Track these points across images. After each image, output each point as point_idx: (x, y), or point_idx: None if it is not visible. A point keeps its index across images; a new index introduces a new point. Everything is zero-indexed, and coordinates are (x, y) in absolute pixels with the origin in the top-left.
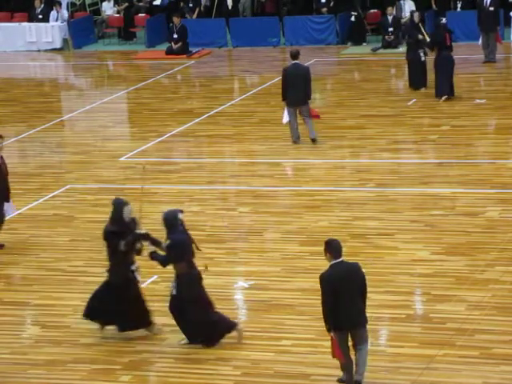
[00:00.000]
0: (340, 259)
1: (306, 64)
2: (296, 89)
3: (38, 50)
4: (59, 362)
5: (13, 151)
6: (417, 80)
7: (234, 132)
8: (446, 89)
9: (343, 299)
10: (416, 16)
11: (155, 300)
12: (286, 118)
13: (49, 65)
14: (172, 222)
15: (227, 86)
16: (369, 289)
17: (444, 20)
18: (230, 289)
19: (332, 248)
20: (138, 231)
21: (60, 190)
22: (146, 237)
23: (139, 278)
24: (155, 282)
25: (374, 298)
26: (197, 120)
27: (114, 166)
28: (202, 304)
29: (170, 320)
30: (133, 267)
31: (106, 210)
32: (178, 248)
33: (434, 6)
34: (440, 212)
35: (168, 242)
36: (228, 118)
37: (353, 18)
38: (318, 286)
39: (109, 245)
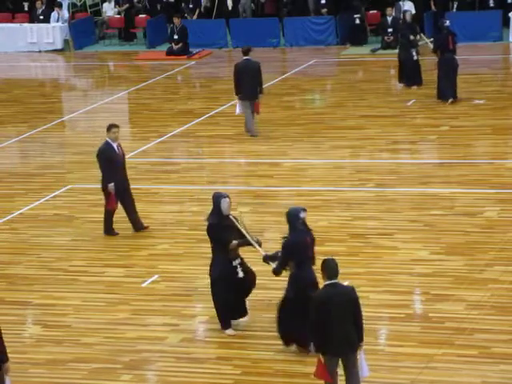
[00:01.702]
0: (334, 280)
1: (306, 63)
2: (248, 84)
3: (39, 51)
4: (60, 362)
5: (14, 151)
6: (408, 78)
7: (234, 132)
8: (450, 92)
9: (333, 324)
10: (408, 15)
11: (155, 300)
12: (238, 110)
13: (50, 65)
14: (292, 219)
15: (227, 87)
16: (368, 288)
17: (447, 22)
18: None
19: (327, 267)
20: (251, 239)
21: (61, 190)
22: (258, 245)
23: (241, 274)
24: (155, 281)
25: (374, 297)
26: (197, 120)
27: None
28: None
29: (170, 320)
30: (235, 262)
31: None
32: (289, 248)
33: (433, 7)
34: (439, 212)
35: (283, 240)
36: (228, 118)
37: (357, 21)
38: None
39: (210, 238)
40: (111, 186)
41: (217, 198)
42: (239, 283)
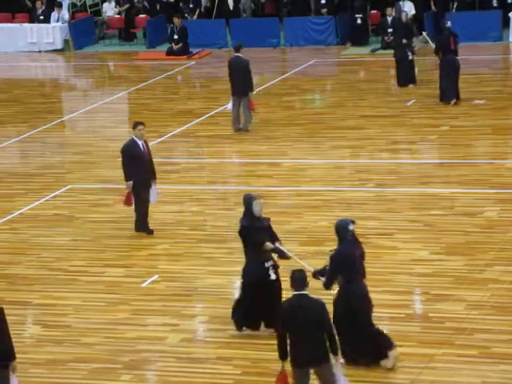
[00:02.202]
0: (302, 292)
1: (306, 63)
2: (236, 80)
3: (39, 51)
4: (60, 362)
5: (14, 151)
6: (404, 77)
7: (234, 132)
8: (453, 93)
9: (298, 335)
10: (404, 16)
11: (155, 300)
12: (229, 106)
13: (50, 65)
14: (341, 231)
15: (227, 87)
16: (369, 288)
17: (449, 23)
18: (230, 288)
19: (293, 279)
20: (282, 248)
21: (61, 190)
22: (286, 257)
23: (273, 276)
24: (155, 281)
25: (374, 297)
26: (197, 120)
27: (115, 166)
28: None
29: (170, 320)
30: (268, 264)
31: (106, 210)
32: (337, 261)
33: (433, 7)
34: (439, 212)
35: (332, 252)
36: (228, 118)
37: (359, 21)
38: (318, 285)
39: (242, 241)
40: (130, 183)
41: (248, 200)
42: (271, 286)
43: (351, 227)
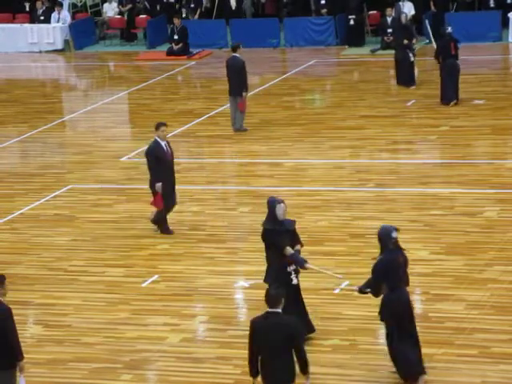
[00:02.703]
0: (275, 310)
1: (306, 64)
2: (232, 80)
3: (40, 51)
4: (60, 361)
5: (14, 151)
6: (405, 78)
7: (234, 132)
8: (453, 94)
9: (266, 354)
10: (403, 18)
11: (156, 300)
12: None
13: (50, 66)
14: (384, 238)
15: (227, 87)
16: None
17: (450, 29)
18: (231, 288)
19: (268, 296)
20: (299, 258)
21: (61, 190)
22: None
23: (295, 280)
24: (155, 281)
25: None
26: (197, 120)
27: (115, 166)
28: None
29: (170, 319)
30: (290, 268)
31: (106, 210)
32: (380, 269)
33: (432, 7)
34: (439, 212)
35: (374, 262)
36: (228, 118)
37: (352, 22)
38: (318, 285)
39: (265, 244)
40: (159, 185)
41: (271, 203)
42: (293, 290)
43: (394, 234)
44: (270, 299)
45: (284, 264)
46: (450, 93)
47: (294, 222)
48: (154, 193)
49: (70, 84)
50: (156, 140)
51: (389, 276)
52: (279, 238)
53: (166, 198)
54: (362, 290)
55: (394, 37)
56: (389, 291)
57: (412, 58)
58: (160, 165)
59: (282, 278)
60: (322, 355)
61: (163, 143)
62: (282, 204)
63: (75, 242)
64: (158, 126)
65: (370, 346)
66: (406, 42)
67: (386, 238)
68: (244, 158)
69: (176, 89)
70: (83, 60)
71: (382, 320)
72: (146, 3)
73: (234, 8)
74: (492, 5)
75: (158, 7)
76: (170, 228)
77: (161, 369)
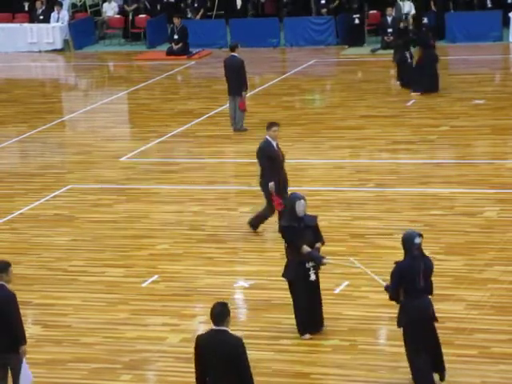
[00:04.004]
0: (221, 327)
1: (306, 63)
2: (231, 80)
3: (39, 51)
4: (60, 362)
5: (14, 151)
6: (406, 78)
7: (233, 132)
8: (431, 85)
9: (209, 373)
10: (403, 22)
11: (155, 300)
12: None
13: (50, 65)
14: (407, 244)
15: (226, 87)
16: (368, 288)
17: (425, 20)
18: (230, 288)
19: (213, 313)
20: (316, 255)
21: (61, 190)
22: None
23: (313, 277)
24: (155, 281)
25: (374, 297)
26: (197, 120)
27: (115, 166)
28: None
29: (170, 320)
30: (308, 265)
31: (106, 210)
32: (396, 274)
33: (433, 7)
34: (439, 212)
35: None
36: (228, 118)
37: (357, 21)
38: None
39: (284, 240)
40: (271, 184)
41: (292, 200)
42: (311, 286)
43: (418, 240)
44: (215, 316)
45: (303, 260)
46: (424, 83)
47: (315, 217)
48: (267, 193)
49: (70, 84)
50: (267, 139)
51: (403, 282)
52: (295, 235)
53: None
54: (387, 289)
55: (395, 36)
56: (406, 297)
57: (410, 60)
58: (272, 164)
59: (300, 273)
60: (322, 355)
61: (274, 143)
62: (302, 200)
63: (75, 242)
64: (269, 126)
65: (369, 346)
66: (400, 41)
67: (409, 244)
68: (244, 158)
69: (176, 89)
70: (83, 60)
71: (398, 327)
72: (147, 3)
73: (238, 7)
74: (489, 5)
75: (159, 7)
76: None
77: (160, 369)
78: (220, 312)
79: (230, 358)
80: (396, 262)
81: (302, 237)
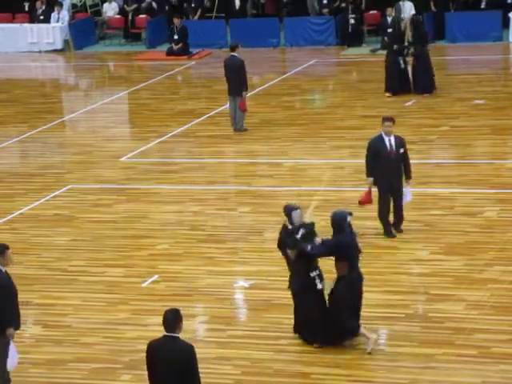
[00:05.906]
0: (173, 334)
1: (306, 63)
2: (231, 80)
3: (39, 51)
4: (60, 362)
5: (14, 151)
6: (394, 85)
7: (234, 132)
8: (429, 84)
9: (161, 379)
10: (403, 24)
11: (155, 300)
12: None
13: (50, 66)
14: (339, 222)
15: (227, 87)
16: (368, 288)
17: (420, 17)
18: (230, 288)
19: (165, 319)
20: (302, 245)
21: (61, 190)
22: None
23: (320, 285)
24: (155, 281)
25: (373, 297)
26: (197, 120)
27: (115, 166)
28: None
29: None
30: (313, 273)
31: (106, 210)
32: (342, 249)
33: (432, 7)
34: (439, 212)
35: (332, 239)
36: (228, 118)
37: (352, 21)
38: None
39: (283, 251)
40: (370, 179)
41: (288, 211)
42: (318, 295)
43: (349, 218)
44: (167, 323)
45: (307, 270)
46: (429, 83)
47: (312, 224)
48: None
49: (70, 84)
50: (380, 134)
51: (348, 256)
52: (289, 238)
53: (382, 197)
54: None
55: (389, 38)
56: (350, 270)
57: (403, 65)
58: (377, 159)
59: (306, 284)
60: (321, 355)
61: (387, 138)
62: (298, 210)
63: (75, 242)
64: (383, 120)
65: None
66: (395, 46)
67: (343, 222)
68: (244, 158)
69: (176, 89)
70: (83, 60)
71: (337, 299)
72: (154, 3)
73: (237, 7)
74: (483, 6)
75: (167, 8)
76: (392, 230)
77: None
78: (172, 318)
79: (180, 365)
80: (335, 238)
81: (292, 239)
